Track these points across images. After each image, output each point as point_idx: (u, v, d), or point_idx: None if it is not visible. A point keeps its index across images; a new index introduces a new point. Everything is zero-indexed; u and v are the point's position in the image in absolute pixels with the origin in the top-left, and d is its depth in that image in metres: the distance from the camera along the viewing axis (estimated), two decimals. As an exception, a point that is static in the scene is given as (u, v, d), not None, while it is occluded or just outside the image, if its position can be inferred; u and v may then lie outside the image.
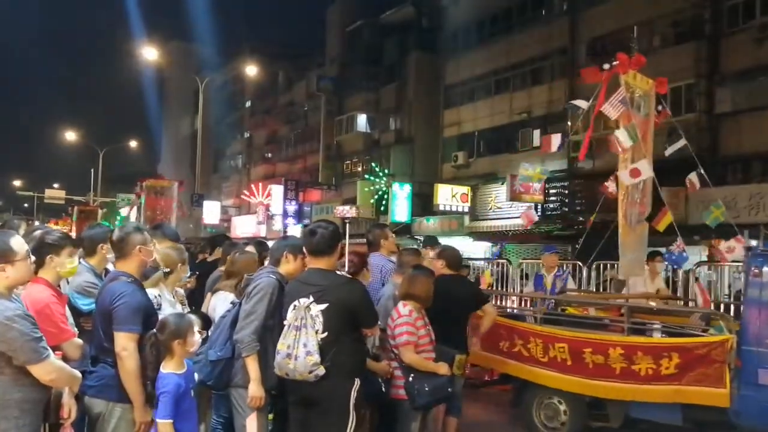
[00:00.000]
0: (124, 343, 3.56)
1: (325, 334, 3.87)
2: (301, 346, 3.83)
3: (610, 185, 8.06)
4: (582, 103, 8.06)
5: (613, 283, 8.92)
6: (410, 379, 4.65)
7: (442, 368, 4.76)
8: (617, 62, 7.49)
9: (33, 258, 3.26)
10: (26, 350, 2.98)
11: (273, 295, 4.15)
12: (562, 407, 6.28)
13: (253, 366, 4.04)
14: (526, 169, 9.27)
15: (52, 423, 3.30)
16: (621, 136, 7.31)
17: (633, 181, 7.52)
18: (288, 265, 4.37)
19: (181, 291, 5.18)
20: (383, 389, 4.74)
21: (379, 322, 4.99)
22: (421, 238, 23.86)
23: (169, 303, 4.54)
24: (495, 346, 6.65)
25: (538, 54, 24.70)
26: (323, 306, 3.90)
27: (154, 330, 3.68)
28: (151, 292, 4.33)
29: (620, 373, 5.65)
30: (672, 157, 8.37)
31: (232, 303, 4.63)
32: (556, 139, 8.15)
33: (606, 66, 7.56)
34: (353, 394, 3.93)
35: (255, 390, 4.04)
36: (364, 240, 6.48)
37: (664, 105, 8.38)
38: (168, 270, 4.77)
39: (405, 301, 4.80)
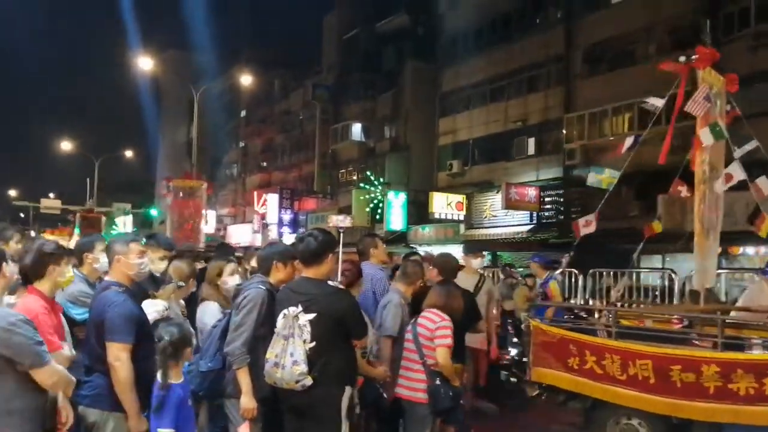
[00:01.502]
0: (117, 354, 3.57)
1: (313, 343, 3.84)
2: (288, 356, 3.81)
3: (683, 189, 7.54)
4: (658, 101, 7.58)
5: (689, 294, 8.53)
6: (437, 382, 4.68)
7: (457, 379, 4.86)
8: (696, 56, 7.07)
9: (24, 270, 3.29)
10: (30, 354, 3.00)
11: (262, 305, 4.11)
12: (643, 430, 5.76)
13: (244, 378, 4.01)
14: (596, 173, 8.70)
15: (48, 429, 3.29)
16: (704, 135, 6.88)
17: (725, 187, 7.15)
18: (278, 274, 4.34)
19: (182, 302, 5.19)
20: (383, 394, 4.75)
21: (376, 330, 4.99)
22: (417, 247, 23.89)
23: (176, 317, 4.54)
24: (563, 363, 6.15)
25: (534, 62, 24.80)
26: (311, 316, 3.87)
27: (168, 338, 3.69)
28: (161, 304, 4.33)
29: (714, 392, 5.08)
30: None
31: (222, 313, 4.64)
32: (628, 141, 7.93)
33: (682, 58, 7.16)
34: (344, 402, 3.89)
35: (247, 402, 4.01)
36: (355, 249, 6.45)
37: (733, 104, 7.94)
38: (182, 284, 4.84)
39: (440, 311, 4.87)
